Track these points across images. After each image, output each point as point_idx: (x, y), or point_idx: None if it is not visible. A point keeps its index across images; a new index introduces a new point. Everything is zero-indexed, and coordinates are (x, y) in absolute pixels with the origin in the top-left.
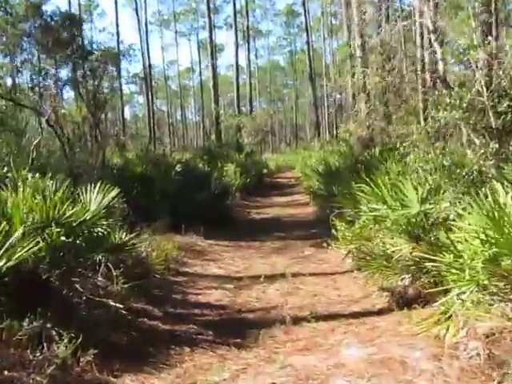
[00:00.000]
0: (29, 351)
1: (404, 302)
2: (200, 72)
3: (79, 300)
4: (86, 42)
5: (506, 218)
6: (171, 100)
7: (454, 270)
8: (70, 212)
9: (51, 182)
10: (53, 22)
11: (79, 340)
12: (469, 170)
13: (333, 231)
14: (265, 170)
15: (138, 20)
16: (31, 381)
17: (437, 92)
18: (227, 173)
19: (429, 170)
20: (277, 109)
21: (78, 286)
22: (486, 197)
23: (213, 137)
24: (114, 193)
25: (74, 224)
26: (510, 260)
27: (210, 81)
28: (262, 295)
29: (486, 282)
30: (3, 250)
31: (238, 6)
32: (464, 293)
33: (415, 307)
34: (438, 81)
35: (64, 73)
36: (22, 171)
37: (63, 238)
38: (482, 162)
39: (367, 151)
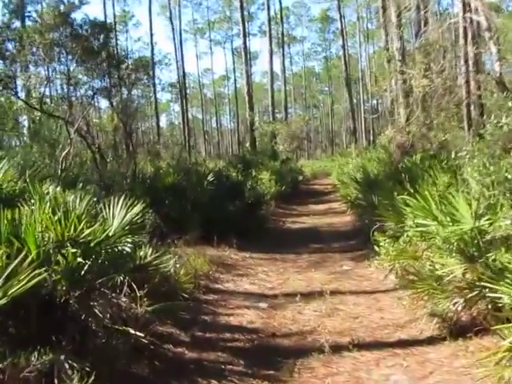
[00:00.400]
0: None
1: (457, 329)
2: (235, 79)
3: (97, 328)
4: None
5: None
6: (206, 108)
7: None
8: (88, 231)
9: (73, 196)
10: (82, 31)
11: (92, 378)
12: None
13: (373, 244)
14: (300, 177)
15: (173, 29)
16: None
17: (495, 95)
18: (262, 181)
19: (488, 183)
20: (312, 115)
21: (97, 310)
22: None
23: (247, 144)
24: (138, 207)
25: (93, 244)
26: None
27: (245, 88)
28: (297, 316)
29: None
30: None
31: (272, 13)
32: None
33: (471, 337)
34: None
35: (96, 82)
36: (44, 184)
37: (80, 260)
38: None
39: (407, 158)
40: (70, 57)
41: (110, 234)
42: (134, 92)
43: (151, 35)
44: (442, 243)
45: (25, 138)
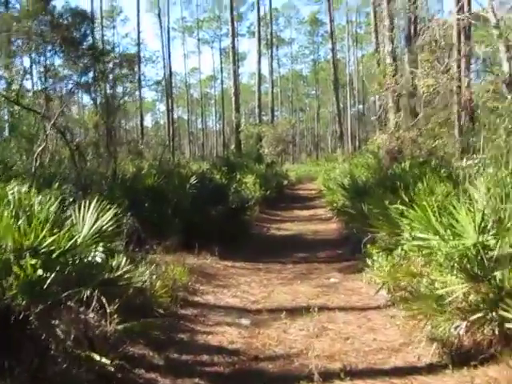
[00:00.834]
0: None
1: (459, 356)
2: (222, 80)
3: (57, 352)
4: (103, 44)
5: None
6: (192, 108)
7: None
8: (51, 239)
9: (40, 197)
10: (63, 20)
11: None
12: None
13: (363, 255)
14: (285, 182)
15: (161, 26)
16: None
17: (509, 97)
18: (246, 185)
19: (499, 195)
20: (298, 119)
21: (59, 329)
22: None
23: (232, 146)
24: (112, 211)
25: (56, 253)
26: None
27: (232, 89)
28: (283, 336)
29: None
30: None
31: (261, 14)
32: None
33: (476, 366)
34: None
35: (77, 76)
36: (11, 184)
37: (40, 272)
38: None
39: (396, 164)
40: (49, 47)
41: (78, 242)
42: (118, 89)
43: (138, 31)
44: (443, 260)
45: (5, 133)
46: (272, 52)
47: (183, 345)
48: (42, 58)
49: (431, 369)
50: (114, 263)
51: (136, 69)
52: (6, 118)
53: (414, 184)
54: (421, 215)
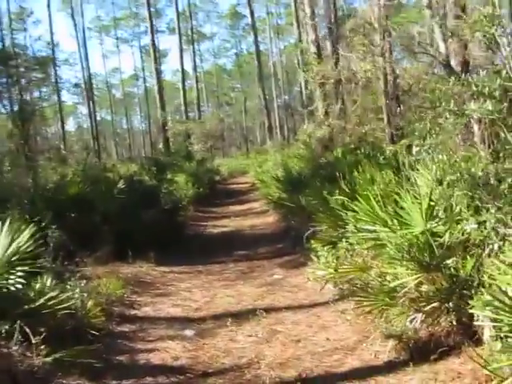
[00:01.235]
0: None
1: (418, 351)
2: (144, 79)
3: None
4: (13, 48)
5: None
6: (116, 109)
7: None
8: None
9: None
10: None
11: None
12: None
13: (305, 249)
14: (217, 177)
15: (75, 25)
16: None
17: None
18: (178, 184)
19: (446, 180)
20: (225, 113)
21: None
22: None
23: (160, 145)
24: (28, 231)
25: None
26: None
27: (155, 87)
28: (231, 345)
29: None
30: None
31: (180, 9)
32: None
33: (436, 359)
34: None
35: None
36: None
37: None
38: None
39: (328, 153)
40: None
41: None
42: (33, 94)
43: (51, 32)
44: (394, 251)
45: None
46: (194, 47)
47: (123, 369)
48: None
49: (391, 367)
50: (38, 286)
51: (51, 72)
52: None
53: (350, 172)
54: (365, 206)
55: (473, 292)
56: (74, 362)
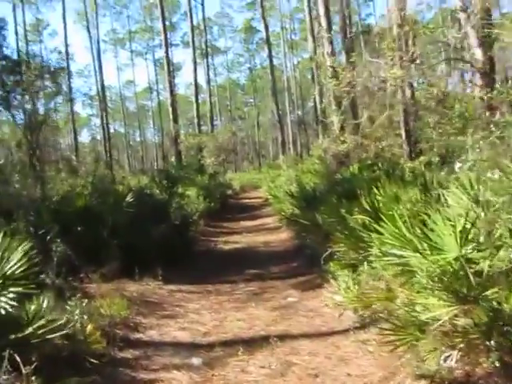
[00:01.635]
0: None
1: None
2: (157, 91)
3: None
4: (28, 56)
5: None
6: (130, 121)
7: None
8: None
9: None
10: None
11: None
12: None
13: (321, 270)
14: (229, 191)
15: (90, 38)
16: None
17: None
18: (189, 198)
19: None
20: (238, 127)
21: None
22: None
23: (173, 158)
24: (21, 249)
25: None
26: None
27: (168, 100)
28: (242, 378)
29: None
30: None
31: (194, 23)
32: None
33: None
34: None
35: None
36: None
37: None
38: None
39: (343, 169)
40: None
41: None
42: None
43: (66, 44)
44: (425, 279)
45: None
46: (208, 61)
47: None
48: None
49: None
50: (33, 308)
51: (63, 82)
52: None
53: (369, 189)
54: (391, 228)
55: None
56: None
